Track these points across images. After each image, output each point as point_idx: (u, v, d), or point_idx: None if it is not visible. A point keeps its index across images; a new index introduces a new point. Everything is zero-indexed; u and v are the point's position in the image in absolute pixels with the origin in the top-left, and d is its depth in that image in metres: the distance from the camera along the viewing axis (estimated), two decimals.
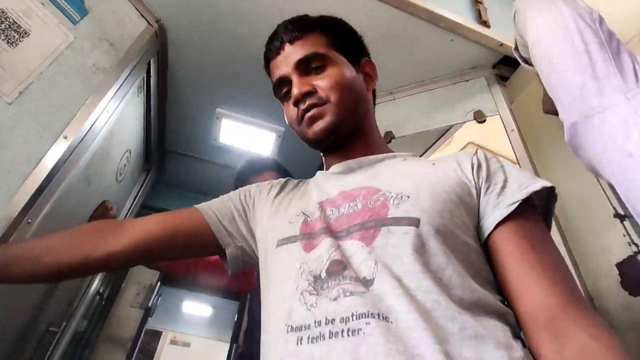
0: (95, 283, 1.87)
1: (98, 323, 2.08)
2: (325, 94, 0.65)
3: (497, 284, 0.52)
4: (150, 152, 2.02)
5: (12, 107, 0.92)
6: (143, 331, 2.19)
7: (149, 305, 2.16)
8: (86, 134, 1.10)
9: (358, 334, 0.41)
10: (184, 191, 2.55)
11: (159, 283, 2.25)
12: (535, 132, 1.24)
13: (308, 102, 0.65)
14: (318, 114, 0.65)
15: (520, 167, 1.22)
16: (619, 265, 0.86)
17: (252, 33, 1.45)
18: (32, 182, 0.92)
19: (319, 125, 0.65)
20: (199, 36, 1.50)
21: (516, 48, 0.91)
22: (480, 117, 1.41)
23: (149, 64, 1.49)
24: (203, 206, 0.71)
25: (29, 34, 0.99)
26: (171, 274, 1.51)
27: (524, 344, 0.46)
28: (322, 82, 0.66)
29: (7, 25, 0.94)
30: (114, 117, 1.29)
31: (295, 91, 0.65)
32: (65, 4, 1.10)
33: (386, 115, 1.57)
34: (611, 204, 0.93)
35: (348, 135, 0.69)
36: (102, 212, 1.34)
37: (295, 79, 0.67)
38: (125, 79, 1.27)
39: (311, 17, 0.73)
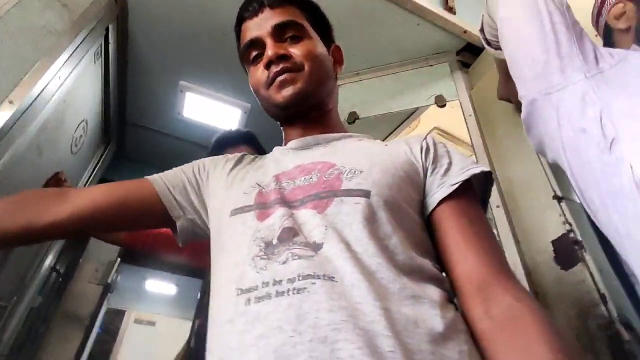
0: (50, 258, 1.81)
1: (55, 299, 2.02)
2: (300, 61, 0.66)
3: (436, 254, 0.57)
4: (109, 124, 1.94)
5: None
6: (103, 308, 2.15)
7: (108, 281, 2.12)
8: (35, 99, 1.04)
9: (303, 292, 0.43)
10: (146, 166, 2.47)
11: (118, 259, 2.20)
12: (490, 118, 1.29)
13: (282, 65, 0.65)
14: (290, 79, 0.65)
15: (474, 150, 1.28)
16: (554, 242, 0.93)
17: (218, 4, 1.41)
18: None
19: (289, 90, 0.65)
20: (163, 5, 1.44)
21: (482, 29, 0.94)
22: (440, 102, 1.45)
23: (107, 29, 1.42)
24: (154, 177, 0.70)
25: None
26: (130, 247, 1.48)
27: (456, 308, 0.51)
28: (297, 50, 0.67)
29: None
30: (67, 84, 1.23)
31: (269, 52, 0.66)
32: None
33: (352, 96, 1.58)
34: (551, 186, 0.99)
35: (312, 108, 0.70)
36: (55, 183, 1.28)
37: (269, 42, 0.67)
38: (80, 43, 1.21)
39: None
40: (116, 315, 5.35)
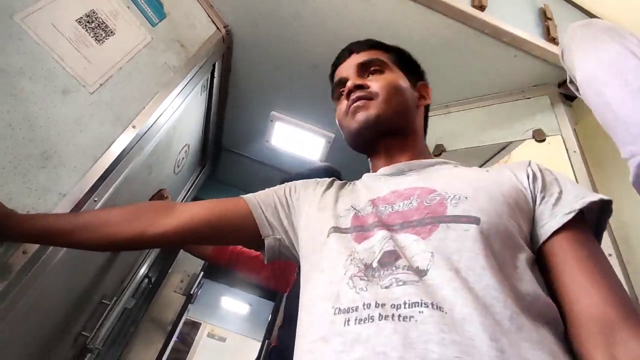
0: (145, 267, 2.01)
1: (145, 303, 2.22)
2: (376, 90, 0.70)
3: (549, 292, 0.50)
4: (206, 149, 2.14)
5: (93, 96, 1.03)
6: (183, 317, 2.30)
7: (191, 292, 2.27)
8: (152, 125, 1.20)
9: (410, 320, 0.41)
10: (234, 188, 2.66)
11: (201, 273, 2.35)
12: (599, 156, 1.15)
13: (359, 93, 0.70)
14: (363, 105, 0.69)
15: None
16: None
17: (311, 40, 1.50)
18: (102, 164, 1.02)
19: (361, 115, 0.69)
20: (261, 41, 1.58)
21: (571, 81, 0.87)
22: (539, 136, 1.33)
23: (214, 65, 1.59)
24: (249, 196, 0.75)
25: (114, 33, 1.10)
26: (214, 262, 1.59)
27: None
28: (375, 82, 0.72)
29: (97, 25, 1.06)
30: (177, 112, 1.40)
31: (349, 83, 0.72)
32: (147, 7, 1.21)
33: (439, 128, 1.54)
34: None
35: (389, 135, 0.71)
36: (159, 198, 1.45)
37: (352, 76, 0.74)
38: (192, 78, 1.37)
39: (379, 41, 0.82)
40: (192, 327, 5.68)
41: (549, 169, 0.60)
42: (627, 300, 0.46)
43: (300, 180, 0.78)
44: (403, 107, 0.72)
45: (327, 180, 0.76)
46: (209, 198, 0.76)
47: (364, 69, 0.75)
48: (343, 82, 0.75)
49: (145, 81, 1.19)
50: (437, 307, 0.41)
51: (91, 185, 0.98)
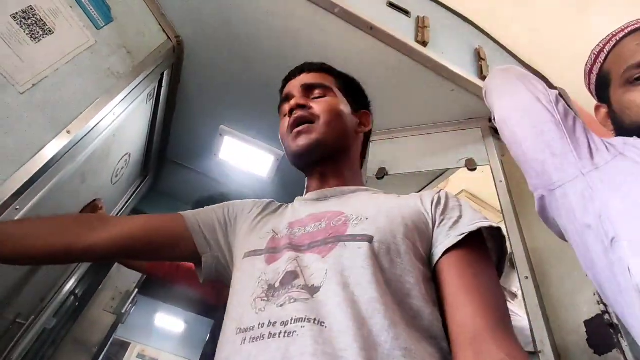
0: (71, 282, 1.85)
1: (68, 323, 2.03)
2: (317, 112, 0.74)
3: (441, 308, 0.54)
4: (149, 159, 2.05)
5: (24, 97, 0.96)
6: (112, 337, 2.14)
7: (122, 311, 2.12)
8: (89, 131, 1.14)
9: (292, 335, 0.44)
10: (177, 202, 2.56)
11: (136, 290, 2.21)
12: (521, 186, 1.28)
13: (301, 112, 0.73)
14: (307, 129, 0.72)
15: (504, 216, 1.25)
16: (587, 323, 0.87)
17: (263, 59, 1.53)
18: (28, 170, 0.94)
19: (304, 140, 0.72)
20: (214, 55, 1.57)
21: (493, 118, 0.97)
22: (471, 165, 1.45)
23: (162, 74, 1.55)
24: (187, 213, 0.74)
25: (53, 32, 1.04)
26: (152, 275, 1.51)
27: None
28: (317, 104, 0.75)
29: (33, 22, 0.99)
30: (119, 120, 1.33)
31: (292, 101, 0.75)
32: (93, 9, 1.16)
33: (383, 152, 1.61)
34: None
35: (327, 159, 0.75)
36: (92, 209, 1.36)
37: (296, 95, 0.78)
38: (137, 85, 1.32)
39: (330, 66, 0.87)
40: (121, 347, 5.25)
41: (457, 198, 0.65)
42: (497, 315, 0.50)
43: (240, 201, 0.80)
44: (342, 131, 0.76)
45: (265, 201, 0.78)
46: (149, 211, 0.75)
47: (308, 90, 0.79)
48: (289, 98, 0.79)
49: (85, 85, 1.13)
50: (318, 322, 0.45)
51: (13, 192, 0.90)
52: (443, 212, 0.61)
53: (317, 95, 0.78)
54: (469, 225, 0.57)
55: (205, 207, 0.77)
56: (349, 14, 1.29)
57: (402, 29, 1.41)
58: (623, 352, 0.80)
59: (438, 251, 0.57)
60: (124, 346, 5.28)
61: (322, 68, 0.84)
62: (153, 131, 1.85)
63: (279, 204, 0.79)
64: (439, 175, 1.72)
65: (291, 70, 0.86)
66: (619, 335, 0.82)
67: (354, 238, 0.55)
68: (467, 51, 1.59)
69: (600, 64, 0.76)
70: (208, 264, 0.71)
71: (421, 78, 1.45)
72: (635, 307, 0.51)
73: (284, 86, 0.86)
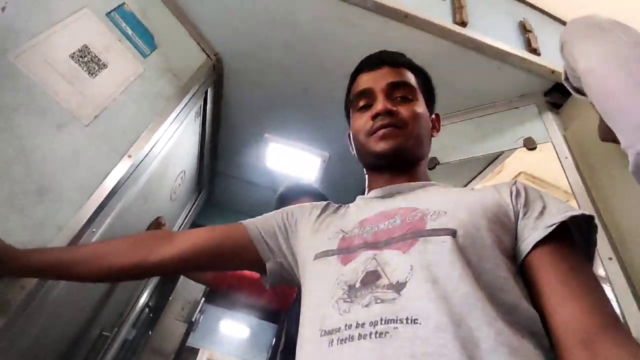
0: (145, 295, 1.98)
1: (145, 333, 2.19)
2: (406, 119, 0.70)
3: (533, 303, 0.51)
4: (202, 174, 2.15)
5: (88, 129, 1.05)
6: (185, 345, 2.26)
7: (192, 319, 2.24)
8: (147, 154, 1.21)
9: (384, 336, 0.43)
10: (232, 212, 2.66)
11: (202, 299, 2.33)
12: (591, 161, 1.17)
13: (389, 120, 0.69)
14: (393, 133, 0.69)
15: (575, 195, 1.15)
16: None
17: (300, 65, 1.54)
18: (98, 196, 1.03)
19: (390, 143, 0.69)
20: (252, 67, 1.61)
21: (566, 78, 0.89)
22: (530, 144, 1.35)
23: (206, 92, 1.62)
24: (248, 222, 0.76)
25: (107, 66, 1.13)
26: (216, 288, 1.58)
27: None
28: (405, 110, 0.71)
29: (90, 59, 1.08)
30: (172, 140, 1.41)
31: (379, 106, 0.71)
32: (139, 40, 1.24)
33: (432, 141, 1.55)
34: None
35: (404, 164, 0.73)
36: (156, 227, 1.44)
37: (381, 96, 0.73)
38: (185, 105, 1.39)
39: (409, 59, 0.82)
40: (190, 353, 5.53)
41: (535, 188, 0.61)
42: (607, 311, 0.46)
43: (297, 205, 0.79)
44: (424, 139, 0.74)
45: (323, 203, 0.77)
46: (207, 223, 0.77)
47: (393, 90, 0.73)
48: (368, 93, 0.74)
49: (139, 111, 1.21)
50: (411, 320, 0.43)
51: (88, 217, 0.98)
52: (526, 204, 0.57)
53: (401, 95, 0.73)
54: (557, 215, 0.53)
55: (265, 214, 0.78)
56: (381, 5, 1.26)
57: (439, 13, 1.35)
58: None
59: (527, 244, 0.53)
60: (193, 352, 5.57)
61: (405, 63, 0.79)
62: (203, 147, 1.94)
63: (337, 204, 0.78)
64: (494, 159, 1.63)
65: (367, 59, 0.80)
66: None
67: (435, 232, 0.53)
68: (511, 25, 1.49)
69: None
70: (272, 270, 0.72)
71: (464, 60, 1.38)
72: None
73: (356, 75, 0.80)
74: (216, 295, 2.66)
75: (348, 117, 0.83)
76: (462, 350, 0.39)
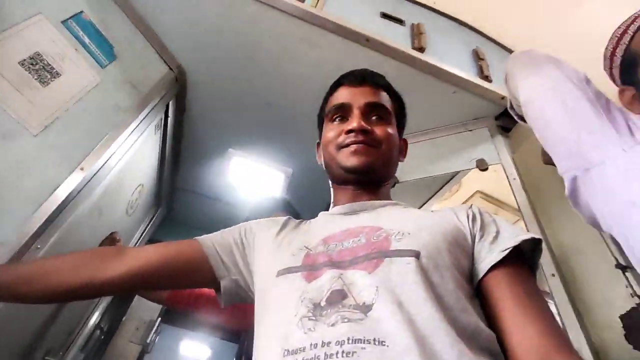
0: (96, 315, 1.87)
1: (95, 357, 2.04)
2: (380, 139, 0.73)
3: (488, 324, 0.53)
4: (162, 188, 2.09)
5: (37, 139, 1.00)
6: None
7: (147, 341, 2.12)
8: (102, 166, 1.16)
9: (352, 356, 0.42)
10: (192, 228, 2.58)
11: (159, 319, 2.22)
12: (537, 182, 1.25)
13: (363, 137, 0.71)
14: (366, 150, 0.71)
15: (522, 214, 1.22)
16: (622, 318, 0.84)
17: (264, 80, 1.55)
18: (45, 209, 0.97)
19: (362, 159, 0.70)
20: (215, 81, 1.61)
21: (511, 107, 0.95)
22: (482, 166, 1.43)
23: (167, 105, 1.59)
24: (203, 238, 0.73)
25: (61, 75, 1.08)
26: (172, 307, 1.51)
27: None
28: (380, 131, 0.74)
29: (41, 67, 1.04)
30: (130, 153, 1.37)
31: (355, 124, 0.72)
32: (96, 49, 1.21)
33: None
34: (612, 254, 0.91)
35: (370, 182, 0.74)
36: (109, 242, 1.37)
37: (357, 113, 0.75)
38: (144, 118, 1.36)
39: (389, 82, 0.85)
40: None
41: (488, 212, 0.64)
42: (560, 333, 0.49)
43: (255, 221, 0.78)
44: (393, 160, 0.77)
45: (282, 219, 0.77)
46: (165, 239, 0.74)
47: (370, 110, 0.76)
48: (346, 107, 0.76)
49: (94, 122, 1.17)
50: (378, 342, 0.43)
51: (34, 231, 0.93)
52: (481, 228, 0.61)
53: (377, 116, 0.76)
54: (510, 239, 0.57)
55: (222, 230, 0.76)
56: (343, 28, 1.31)
57: (398, 38, 1.42)
58: None
59: (483, 267, 0.56)
60: None
61: (384, 85, 0.82)
62: (163, 161, 1.88)
63: (298, 220, 0.78)
64: (451, 178, 1.70)
65: (349, 74, 0.82)
66: None
67: (400, 253, 0.54)
68: (465, 53, 1.60)
69: (625, 45, 0.72)
70: (227, 288, 0.70)
71: (422, 84, 1.45)
72: None
73: (336, 87, 0.82)
74: (174, 314, 2.55)
75: (320, 125, 0.84)
76: None
